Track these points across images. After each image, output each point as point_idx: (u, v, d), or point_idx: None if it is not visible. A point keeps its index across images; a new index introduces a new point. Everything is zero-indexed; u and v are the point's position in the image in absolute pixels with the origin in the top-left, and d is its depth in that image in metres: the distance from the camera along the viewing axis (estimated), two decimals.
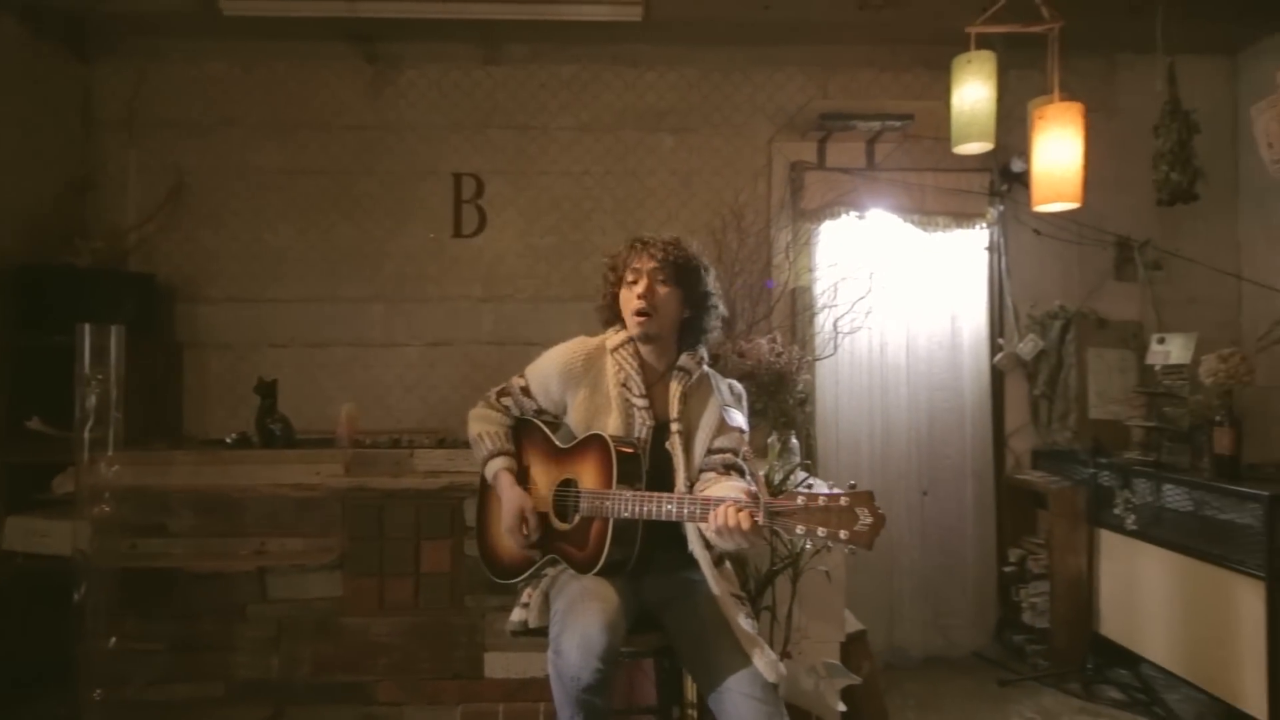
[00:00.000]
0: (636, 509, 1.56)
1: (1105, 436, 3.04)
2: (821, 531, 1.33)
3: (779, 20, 3.05)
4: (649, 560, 1.66)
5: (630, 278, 1.71)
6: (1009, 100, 3.00)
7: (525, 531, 1.69)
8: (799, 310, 3.20)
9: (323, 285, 3.23)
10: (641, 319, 1.69)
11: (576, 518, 1.66)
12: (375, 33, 3.16)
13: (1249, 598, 2.32)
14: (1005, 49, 2.77)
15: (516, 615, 1.72)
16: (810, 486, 2.15)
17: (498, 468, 1.75)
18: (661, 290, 1.70)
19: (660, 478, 1.67)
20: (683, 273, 1.72)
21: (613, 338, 1.78)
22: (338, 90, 3.25)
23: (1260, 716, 2.28)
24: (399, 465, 2.56)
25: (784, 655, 2.09)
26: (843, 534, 1.31)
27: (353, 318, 3.23)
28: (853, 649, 2.35)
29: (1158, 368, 2.89)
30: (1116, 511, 2.88)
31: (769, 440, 2.23)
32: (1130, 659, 2.89)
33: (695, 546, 1.62)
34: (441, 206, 3.27)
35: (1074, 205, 2.49)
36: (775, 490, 2.10)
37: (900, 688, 2.92)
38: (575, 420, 1.76)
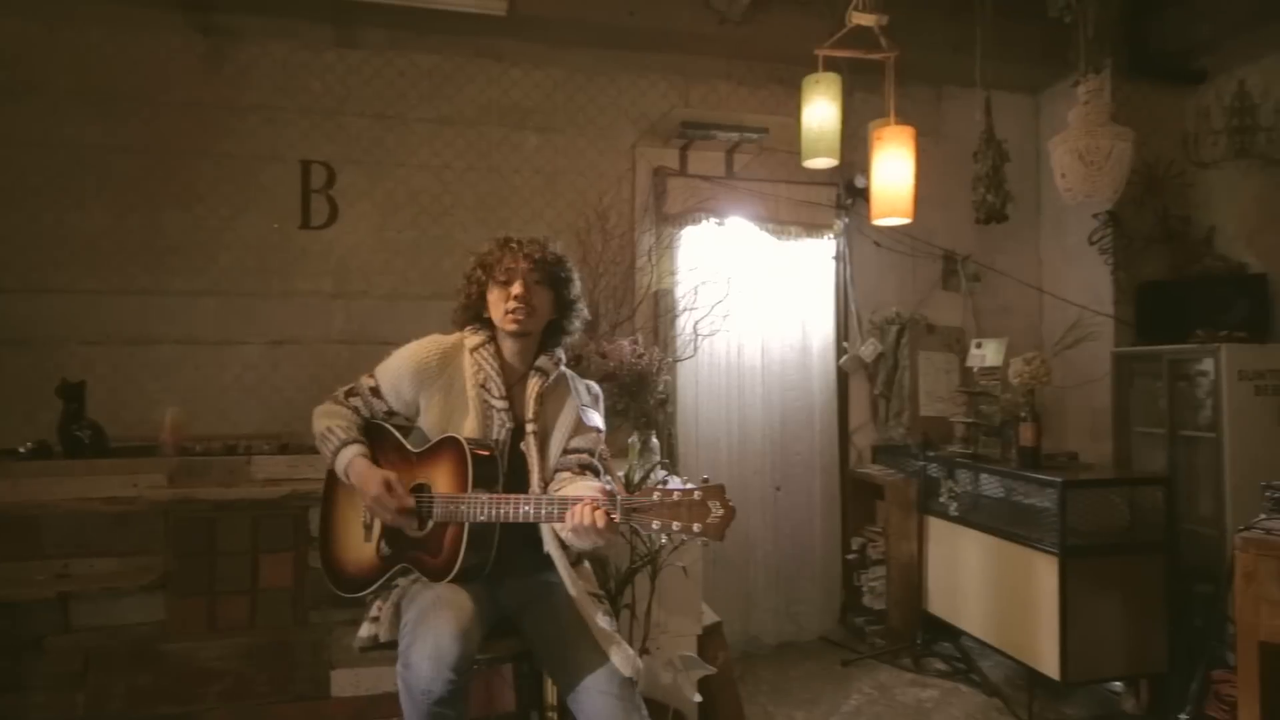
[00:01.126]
0: (493, 512, 1.53)
1: (934, 432, 3.35)
2: (676, 525, 1.37)
3: (643, 27, 3.11)
4: (506, 564, 1.63)
5: (503, 277, 1.68)
6: (854, 120, 3.22)
7: (397, 495, 1.58)
8: (661, 312, 3.27)
9: (146, 276, 2.91)
10: (517, 319, 1.67)
11: (430, 524, 1.61)
12: (210, 2, 2.89)
13: (1046, 572, 2.64)
14: (850, 73, 2.97)
15: (365, 630, 1.63)
16: (666, 484, 2.20)
17: (352, 455, 1.65)
18: (536, 291, 1.69)
19: (516, 479, 1.65)
20: (555, 276, 1.73)
21: (471, 337, 1.74)
22: (165, 62, 2.94)
23: (1054, 675, 2.60)
24: (233, 473, 2.36)
25: (643, 651, 2.12)
26: (696, 527, 1.35)
27: (181, 312, 2.93)
28: (709, 640, 2.43)
29: (976, 369, 3.22)
30: (942, 499, 3.17)
31: (630, 440, 2.26)
32: (953, 632, 3.20)
33: (551, 547, 1.61)
34: (288, 195, 3.04)
35: (906, 220, 2.72)
36: (634, 488, 2.13)
37: (754, 674, 3.06)
38: (429, 422, 1.70)
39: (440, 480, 1.61)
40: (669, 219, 3.30)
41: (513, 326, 1.68)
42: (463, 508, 1.55)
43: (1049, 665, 2.62)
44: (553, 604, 1.62)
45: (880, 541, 3.37)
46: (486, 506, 1.53)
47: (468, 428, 1.66)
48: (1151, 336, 3.26)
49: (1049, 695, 2.79)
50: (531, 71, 3.27)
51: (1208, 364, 2.93)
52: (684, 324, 3.22)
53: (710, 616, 2.51)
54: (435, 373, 1.70)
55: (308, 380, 2.98)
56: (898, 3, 2.69)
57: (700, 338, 3.17)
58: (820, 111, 2.59)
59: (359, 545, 1.69)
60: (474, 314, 1.76)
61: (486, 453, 1.63)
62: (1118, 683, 2.79)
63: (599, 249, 3.16)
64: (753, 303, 3.40)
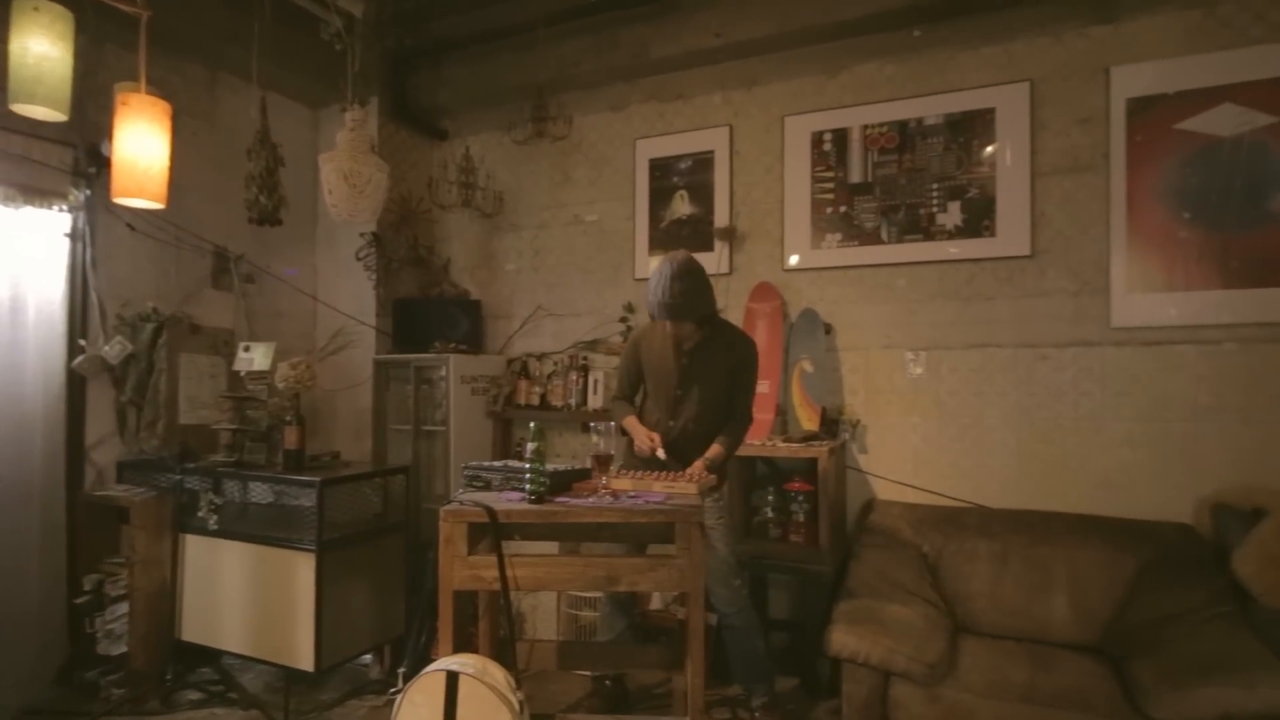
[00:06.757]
0: None
1: (195, 441, 3.07)
2: None
3: None
4: None
5: None
6: (104, 75, 2.73)
7: None
8: None
9: None
10: None
11: None
12: None
13: (304, 570, 2.72)
14: (101, 19, 2.49)
15: None
16: None
17: None
18: None
19: None
20: None
21: None
22: None
23: (309, 668, 2.70)
24: None
25: None
26: None
27: None
28: None
29: (244, 374, 3.10)
30: (201, 514, 2.93)
31: None
32: (213, 656, 2.98)
33: None
34: None
35: (158, 205, 2.41)
36: None
37: None
38: None
39: None
40: None
41: None
42: None
43: (305, 659, 2.71)
44: None
45: (123, 574, 2.88)
46: None
47: None
48: (404, 346, 3.78)
49: (307, 687, 2.89)
50: None
51: (443, 370, 3.57)
52: None
53: None
54: None
55: None
56: None
57: None
58: (39, 48, 2.06)
59: None
60: None
61: None
62: (367, 655, 3.10)
63: None
64: None
